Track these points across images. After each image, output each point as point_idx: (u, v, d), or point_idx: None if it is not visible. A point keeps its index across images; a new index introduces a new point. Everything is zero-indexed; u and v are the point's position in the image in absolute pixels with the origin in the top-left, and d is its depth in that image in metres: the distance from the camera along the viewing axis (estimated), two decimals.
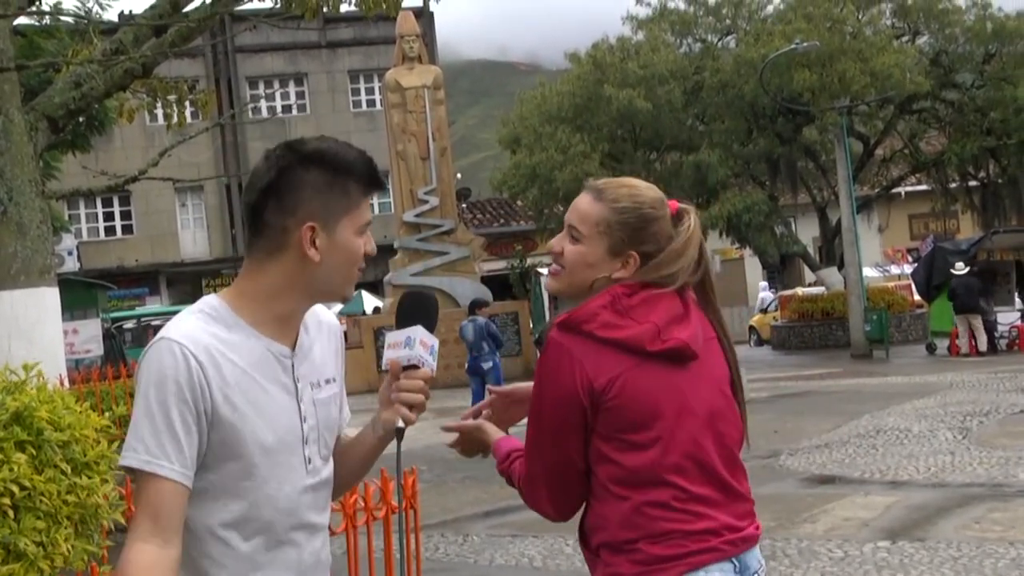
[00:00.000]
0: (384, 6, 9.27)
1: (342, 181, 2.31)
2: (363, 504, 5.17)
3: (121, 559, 2.17)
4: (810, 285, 36.66)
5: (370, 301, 33.87)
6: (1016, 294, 26.28)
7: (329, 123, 39.22)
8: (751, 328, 39.38)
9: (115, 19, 15.20)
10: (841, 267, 30.38)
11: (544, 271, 30.46)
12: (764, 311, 38.83)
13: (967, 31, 30.38)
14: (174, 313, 2.37)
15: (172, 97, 10.62)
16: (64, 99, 9.16)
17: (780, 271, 46.41)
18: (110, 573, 4.61)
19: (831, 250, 32.75)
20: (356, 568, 5.12)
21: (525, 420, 2.72)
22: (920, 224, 45.42)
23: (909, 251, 43.72)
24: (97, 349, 23.16)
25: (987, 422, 13.67)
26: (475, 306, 16.61)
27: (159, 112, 11.11)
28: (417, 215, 27.68)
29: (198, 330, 2.26)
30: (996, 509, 8.92)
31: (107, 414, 6.50)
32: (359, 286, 34.12)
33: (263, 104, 40.57)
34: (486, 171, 45.83)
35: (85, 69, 9.01)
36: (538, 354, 20.69)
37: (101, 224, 40.47)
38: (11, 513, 4.34)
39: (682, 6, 32.17)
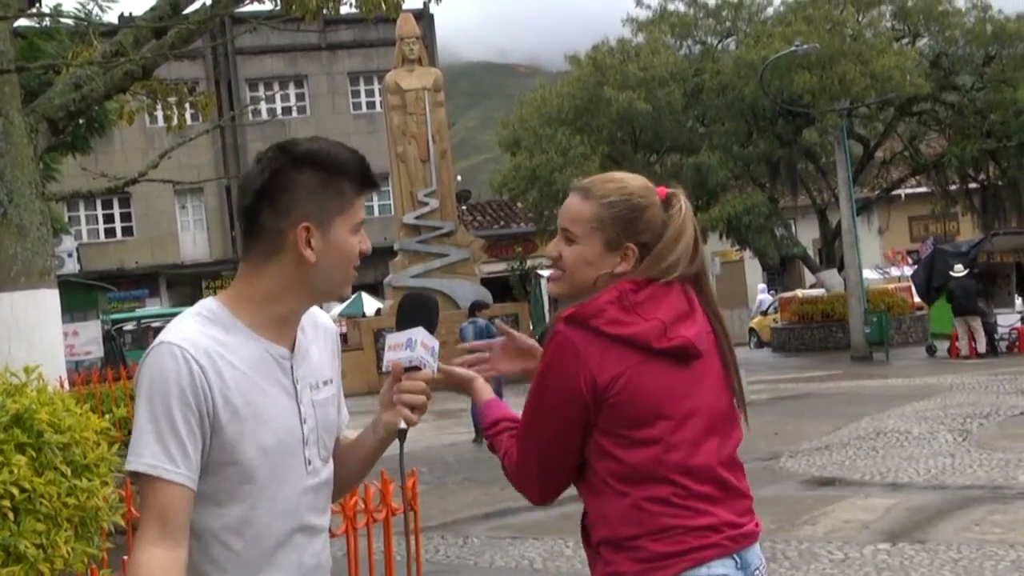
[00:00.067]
0: (384, 8, 9.28)
1: (335, 181, 2.32)
2: (363, 506, 5.16)
3: (131, 563, 2.18)
4: (812, 287, 36.65)
5: (370, 303, 33.88)
6: (1016, 296, 26.27)
7: (329, 125, 39.22)
8: (751, 330, 39.38)
9: (115, 21, 15.21)
10: (841, 269, 30.38)
11: (544, 272, 30.47)
12: (764, 313, 38.83)
13: (967, 33, 30.37)
14: (174, 315, 2.37)
15: (172, 99, 10.63)
16: (64, 101, 9.17)
17: (780, 273, 46.42)
18: None
19: (831, 252, 32.74)
20: (356, 570, 5.11)
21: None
22: (920, 226, 45.42)
23: (909, 253, 43.71)
24: (97, 351, 23.15)
25: (987, 424, 13.67)
26: (475, 308, 16.59)
27: (159, 114, 11.12)
28: (417, 217, 27.69)
29: (197, 333, 2.26)
30: (996, 511, 8.92)
31: (107, 416, 6.50)
32: (359, 288, 34.16)
33: (263, 106, 40.59)
34: (486, 173, 45.84)
35: (85, 71, 9.02)
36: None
37: (101, 226, 40.47)
38: (11, 515, 4.34)
39: (682, 8, 32.18)
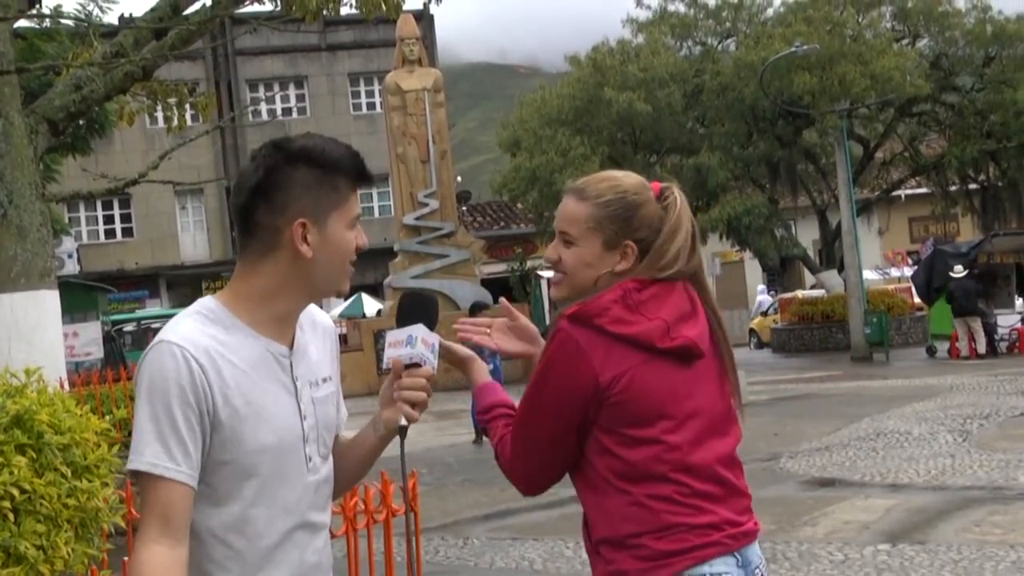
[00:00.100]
0: (384, 9, 9.28)
1: (330, 177, 2.32)
2: (363, 507, 5.16)
3: (134, 561, 2.18)
4: (812, 288, 36.66)
5: (370, 304, 33.89)
6: (1016, 297, 26.27)
7: (329, 126, 39.23)
8: (751, 331, 39.41)
9: (115, 22, 15.20)
10: (841, 270, 30.39)
11: (544, 273, 30.46)
12: (764, 314, 38.85)
13: (967, 34, 30.38)
14: (174, 316, 2.37)
15: (172, 100, 10.63)
16: (64, 102, 9.17)
17: (780, 274, 46.44)
18: None
19: (831, 253, 32.75)
20: (356, 571, 5.12)
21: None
22: (920, 227, 45.43)
23: (909, 254, 43.72)
24: (97, 352, 23.16)
25: (987, 425, 13.67)
26: (476, 308, 16.59)
27: (159, 115, 11.11)
28: (417, 218, 27.69)
29: (196, 332, 2.26)
30: (996, 512, 8.92)
31: (107, 417, 6.50)
32: (359, 289, 34.14)
33: (263, 107, 40.60)
34: (486, 174, 45.88)
35: (85, 72, 9.01)
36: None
37: (101, 227, 40.48)
38: (11, 516, 4.34)
39: (682, 9, 32.19)
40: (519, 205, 37.52)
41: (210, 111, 11.02)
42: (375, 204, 41.92)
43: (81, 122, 12.58)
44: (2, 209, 8.47)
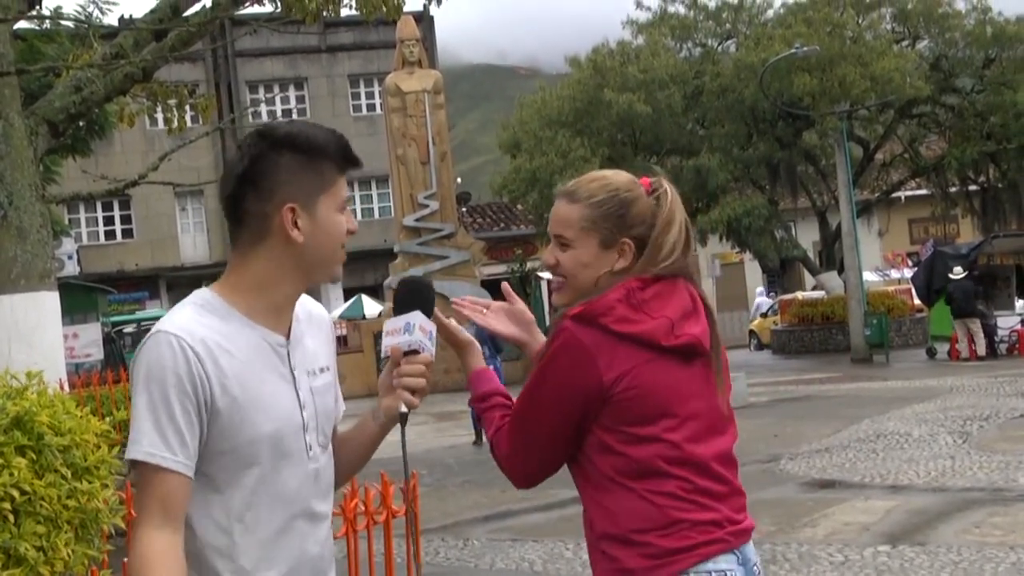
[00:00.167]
0: (384, 10, 9.28)
1: (316, 161, 2.34)
2: (363, 508, 5.16)
3: (137, 546, 2.17)
4: (813, 289, 36.66)
5: (370, 305, 33.89)
6: (1016, 298, 26.26)
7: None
8: (751, 332, 39.41)
9: (115, 23, 15.21)
10: (841, 271, 30.39)
11: (544, 275, 30.46)
12: (764, 315, 38.85)
13: (967, 35, 30.37)
14: None
15: (172, 101, 10.64)
16: (64, 103, 9.18)
17: (780, 275, 46.43)
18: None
19: (831, 254, 32.75)
20: (356, 572, 5.11)
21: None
22: (920, 228, 45.43)
23: (909, 255, 43.70)
24: (97, 353, 23.16)
25: (987, 426, 13.67)
26: None
27: (159, 116, 11.13)
28: (417, 219, 27.70)
29: (193, 322, 2.27)
30: (996, 513, 8.92)
31: (107, 419, 6.50)
32: (360, 290, 34.08)
33: (263, 108, 40.61)
34: (486, 175, 45.90)
35: (85, 73, 9.02)
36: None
37: (101, 228, 40.48)
38: (11, 518, 4.34)
39: (682, 10, 32.18)
40: (519, 206, 37.51)
41: (210, 113, 11.02)
42: (375, 205, 41.94)
43: (81, 123, 12.58)
44: (2, 210, 8.48)
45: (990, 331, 24.37)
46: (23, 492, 4.37)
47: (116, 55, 9.06)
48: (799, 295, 36.94)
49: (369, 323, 28.58)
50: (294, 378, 2.37)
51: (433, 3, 10.18)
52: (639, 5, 32.12)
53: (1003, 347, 24.56)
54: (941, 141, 34.00)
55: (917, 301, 29.72)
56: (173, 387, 2.20)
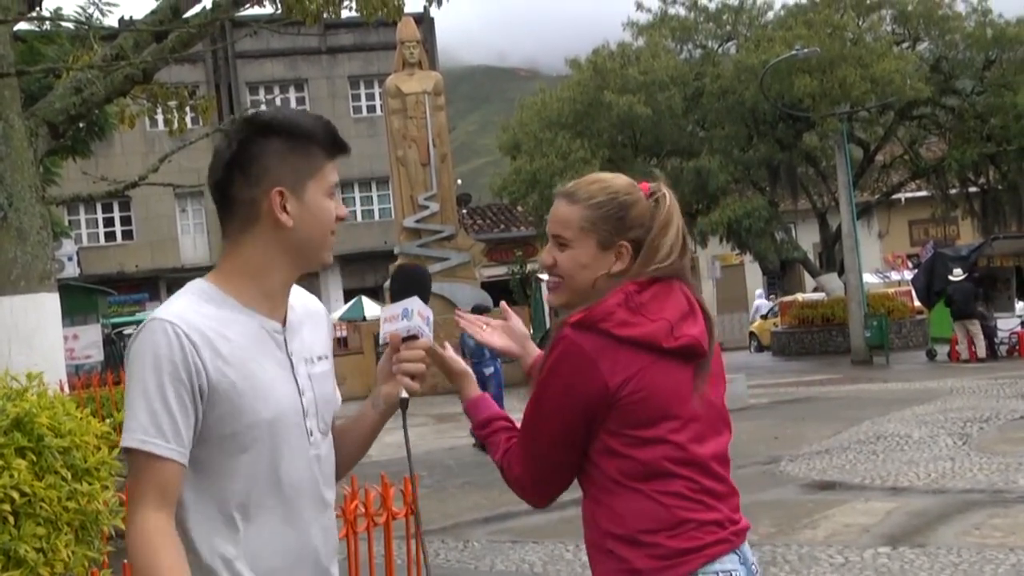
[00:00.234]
0: (384, 12, 9.28)
1: (303, 145, 2.34)
2: (364, 510, 5.16)
3: (136, 528, 2.17)
4: (814, 291, 36.66)
5: (370, 307, 33.87)
6: (1016, 300, 26.26)
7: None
8: (751, 334, 39.40)
9: (116, 25, 15.20)
10: (841, 273, 30.39)
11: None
12: (764, 317, 38.84)
13: (967, 37, 30.37)
14: None
15: (172, 103, 10.64)
16: (64, 105, 9.17)
17: (780, 277, 46.43)
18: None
19: (831, 256, 32.74)
20: (356, 574, 5.11)
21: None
22: (920, 230, 45.43)
23: (909, 257, 43.71)
24: (97, 355, 23.15)
25: (987, 428, 13.66)
26: (477, 311, 16.58)
27: (159, 118, 11.13)
28: (417, 221, 27.68)
29: (189, 310, 2.27)
30: (996, 515, 8.91)
31: (108, 420, 6.50)
32: (360, 292, 33.99)
33: (263, 109, 40.59)
34: (486, 177, 45.90)
35: (86, 75, 9.02)
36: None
37: (101, 230, 40.48)
38: (11, 519, 4.34)
39: (682, 12, 32.17)
40: (519, 208, 37.51)
41: (210, 114, 11.02)
42: (375, 207, 41.94)
43: (81, 125, 12.58)
44: (2, 212, 8.48)
45: (990, 333, 24.37)
46: (23, 494, 4.37)
47: (116, 56, 9.06)
48: (799, 297, 36.94)
49: (369, 325, 28.55)
50: (291, 364, 2.37)
51: (433, 5, 10.19)
52: (639, 7, 32.13)
53: (1003, 349, 24.57)
54: (941, 143, 34.00)
55: (917, 303, 29.72)
56: (167, 374, 2.20)
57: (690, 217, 30.60)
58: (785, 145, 30.94)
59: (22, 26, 11.96)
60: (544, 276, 2.82)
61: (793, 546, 8.29)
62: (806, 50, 26.64)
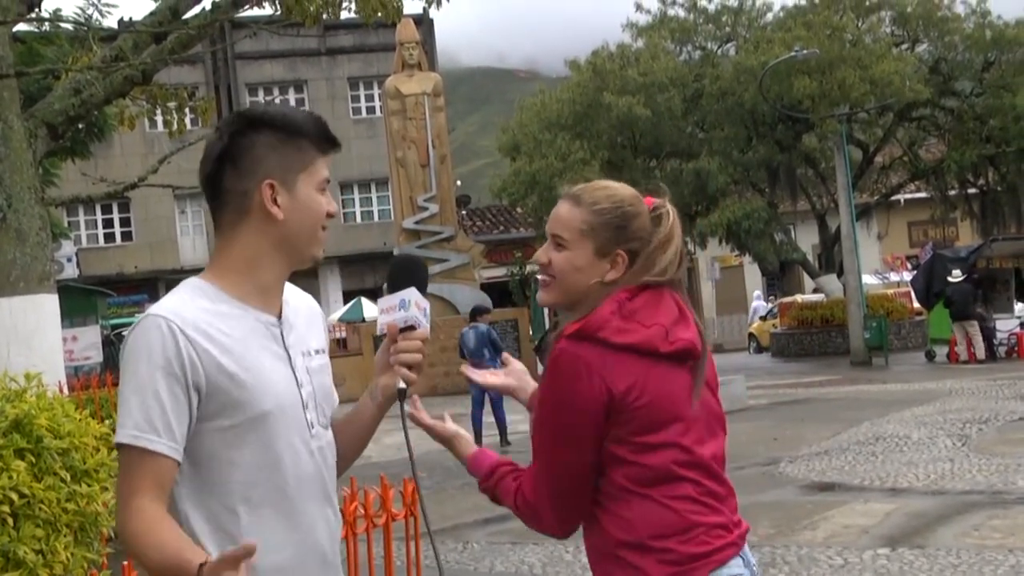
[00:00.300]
0: (384, 13, 9.28)
1: (294, 139, 2.35)
2: (363, 511, 5.16)
3: (134, 513, 2.17)
4: (813, 292, 36.66)
5: (370, 308, 33.85)
6: (1015, 301, 26.26)
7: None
8: (750, 335, 39.39)
9: (115, 26, 15.21)
10: (840, 274, 30.39)
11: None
12: (763, 319, 38.83)
13: (966, 39, 30.38)
14: None
15: (172, 104, 10.64)
16: (64, 106, 9.18)
17: (779, 278, 46.43)
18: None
19: (830, 257, 32.75)
20: (356, 575, 5.11)
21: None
22: (919, 231, 45.46)
23: (908, 258, 43.73)
24: (96, 356, 23.13)
25: (986, 429, 13.66)
26: (477, 313, 16.58)
27: (159, 119, 11.13)
28: (417, 222, 27.68)
29: (184, 305, 2.28)
30: (995, 516, 8.91)
31: (107, 421, 6.50)
32: (359, 293, 33.95)
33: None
34: (486, 178, 45.89)
35: (85, 76, 9.02)
36: (538, 362, 20.40)
37: (100, 231, 40.47)
38: (10, 521, 4.34)
39: (682, 14, 32.18)
40: (519, 209, 37.52)
41: (210, 115, 11.03)
42: (375, 208, 41.93)
43: (80, 126, 12.59)
44: (1, 213, 8.48)
45: (989, 334, 24.37)
46: (22, 495, 4.37)
47: (116, 57, 9.06)
48: (798, 298, 36.94)
49: (369, 326, 28.54)
50: (289, 357, 2.37)
51: (433, 6, 10.19)
52: (639, 8, 32.14)
53: (1002, 350, 24.57)
54: (940, 144, 34.01)
55: (916, 304, 29.72)
56: (160, 369, 2.20)
57: (689, 218, 30.63)
58: (784, 146, 30.95)
59: (21, 27, 11.97)
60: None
61: (792, 547, 8.29)
62: (805, 51, 26.65)
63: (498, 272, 39.13)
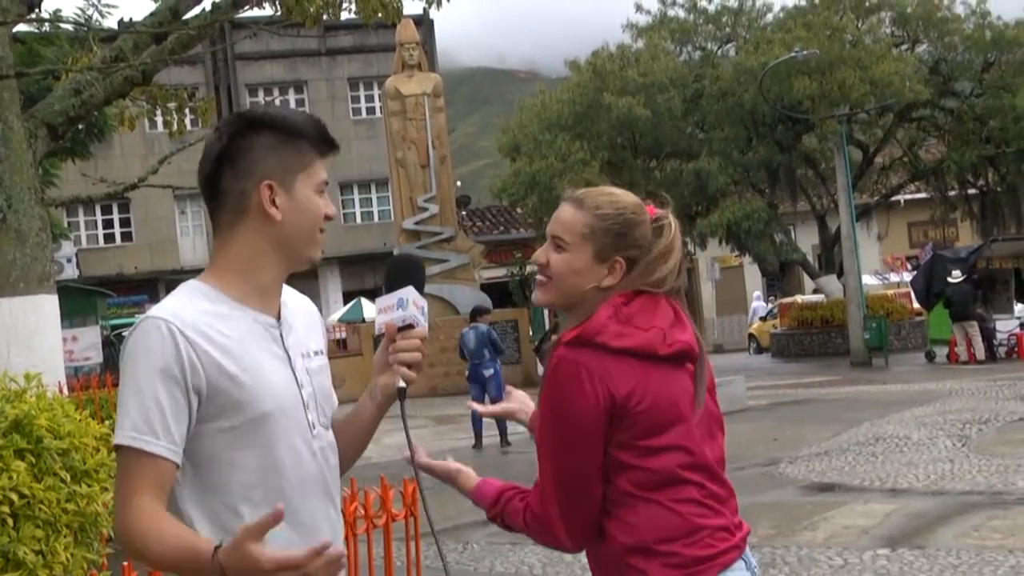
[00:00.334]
0: (383, 13, 9.28)
1: (293, 140, 2.36)
2: (363, 512, 5.16)
3: (132, 512, 2.17)
4: (813, 293, 36.67)
5: (370, 309, 33.85)
6: (1015, 302, 26.26)
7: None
8: (750, 336, 39.40)
9: (115, 26, 15.21)
10: (840, 275, 30.39)
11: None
12: (764, 319, 38.84)
13: (966, 39, 30.39)
14: None
15: (172, 104, 10.64)
16: (64, 106, 9.18)
17: (779, 279, 46.43)
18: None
19: (830, 258, 32.75)
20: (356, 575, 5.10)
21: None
22: (919, 232, 45.46)
23: (908, 259, 43.74)
24: (96, 356, 23.14)
25: (986, 430, 13.66)
26: (477, 313, 16.59)
27: (159, 119, 11.13)
28: (417, 222, 27.69)
29: (184, 307, 2.28)
30: (995, 517, 8.91)
31: (107, 422, 6.50)
32: (359, 293, 33.94)
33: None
34: (486, 179, 45.91)
35: (85, 76, 9.02)
36: (538, 362, 20.43)
37: (100, 231, 40.48)
38: (10, 521, 4.33)
39: (682, 14, 32.20)
40: (519, 210, 37.53)
41: (210, 115, 11.04)
42: (375, 209, 41.93)
43: (80, 126, 12.60)
44: (1, 213, 8.48)
45: (989, 335, 24.38)
46: (22, 495, 4.37)
47: (115, 58, 9.06)
48: (798, 299, 36.94)
49: (368, 326, 28.54)
50: (289, 358, 2.37)
51: (433, 6, 10.19)
52: (639, 9, 32.15)
53: (1002, 350, 24.58)
54: (940, 145, 34.02)
55: (916, 305, 29.72)
56: (159, 372, 2.20)
57: (689, 219, 30.64)
58: (784, 147, 30.96)
59: (21, 28, 11.97)
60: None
61: (792, 548, 8.29)
62: (805, 52, 26.66)
63: (498, 273, 39.13)
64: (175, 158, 10.71)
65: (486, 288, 30.31)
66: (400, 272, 2.55)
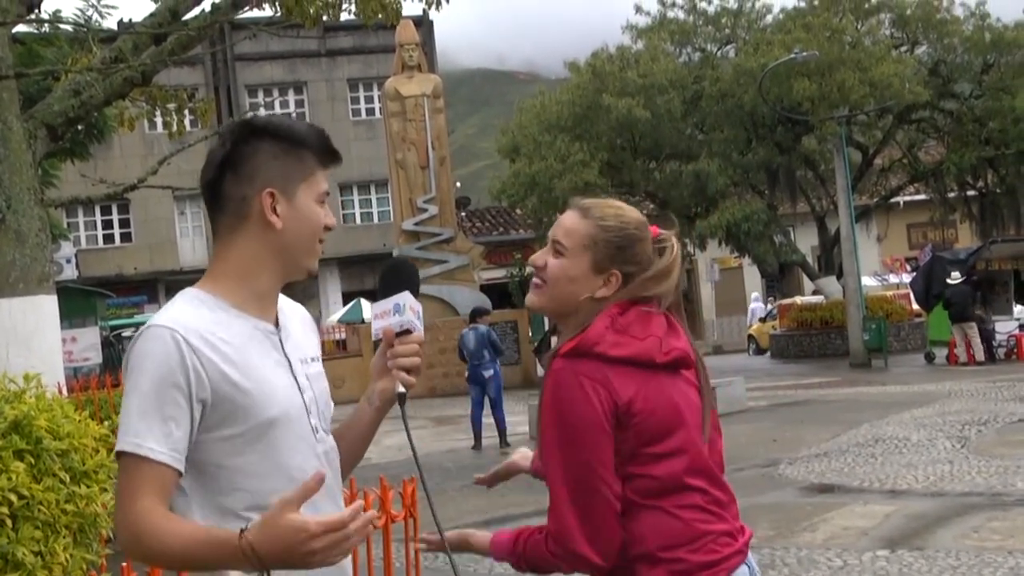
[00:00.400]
0: (383, 15, 9.29)
1: (296, 149, 2.37)
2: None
3: (135, 515, 2.16)
4: (812, 294, 36.67)
5: (369, 310, 33.81)
6: (1014, 303, 26.27)
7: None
8: (750, 337, 39.40)
9: (114, 27, 15.21)
10: (840, 276, 30.39)
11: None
12: (763, 320, 38.83)
13: (965, 41, 30.41)
14: None
15: (171, 105, 10.64)
16: (63, 107, 9.18)
17: (779, 280, 46.40)
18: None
19: (830, 259, 32.75)
20: None
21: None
22: (919, 233, 45.45)
23: (908, 260, 43.72)
24: (96, 357, 23.12)
25: (985, 431, 13.66)
26: (477, 314, 16.59)
27: (158, 120, 11.14)
28: (416, 223, 27.69)
29: (186, 314, 2.28)
30: (995, 518, 8.92)
31: (106, 423, 6.50)
32: (359, 294, 33.99)
33: (262, 112, 40.50)
34: (485, 180, 45.90)
35: (84, 77, 9.02)
36: (537, 363, 20.45)
37: (100, 232, 40.47)
38: (9, 522, 4.33)
39: (681, 16, 32.21)
40: (518, 211, 37.52)
41: (209, 116, 11.03)
42: (374, 210, 41.92)
43: (80, 127, 12.59)
44: (1, 214, 8.48)
45: (988, 336, 24.39)
46: (21, 496, 4.37)
47: (115, 59, 9.06)
48: (798, 300, 36.94)
49: (368, 327, 28.53)
50: (290, 363, 2.38)
51: (432, 7, 10.19)
52: (638, 10, 32.17)
53: (1001, 352, 24.58)
54: (940, 146, 34.04)
55: (915, 306, 29.72)
56: (163, 379, 2.20)
57: (689, 220, 30.63)
58: (784, 148, 30.97)
59: (21, 28, 11.97)
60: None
61: (792, 549, 8.29)
62: (805, 54, 26.67)
63: (498, 274, 39.13)
64: (175, 159, 10.71)
65: (485, 289, 30.32)
66: (395, 277, 2.56)
